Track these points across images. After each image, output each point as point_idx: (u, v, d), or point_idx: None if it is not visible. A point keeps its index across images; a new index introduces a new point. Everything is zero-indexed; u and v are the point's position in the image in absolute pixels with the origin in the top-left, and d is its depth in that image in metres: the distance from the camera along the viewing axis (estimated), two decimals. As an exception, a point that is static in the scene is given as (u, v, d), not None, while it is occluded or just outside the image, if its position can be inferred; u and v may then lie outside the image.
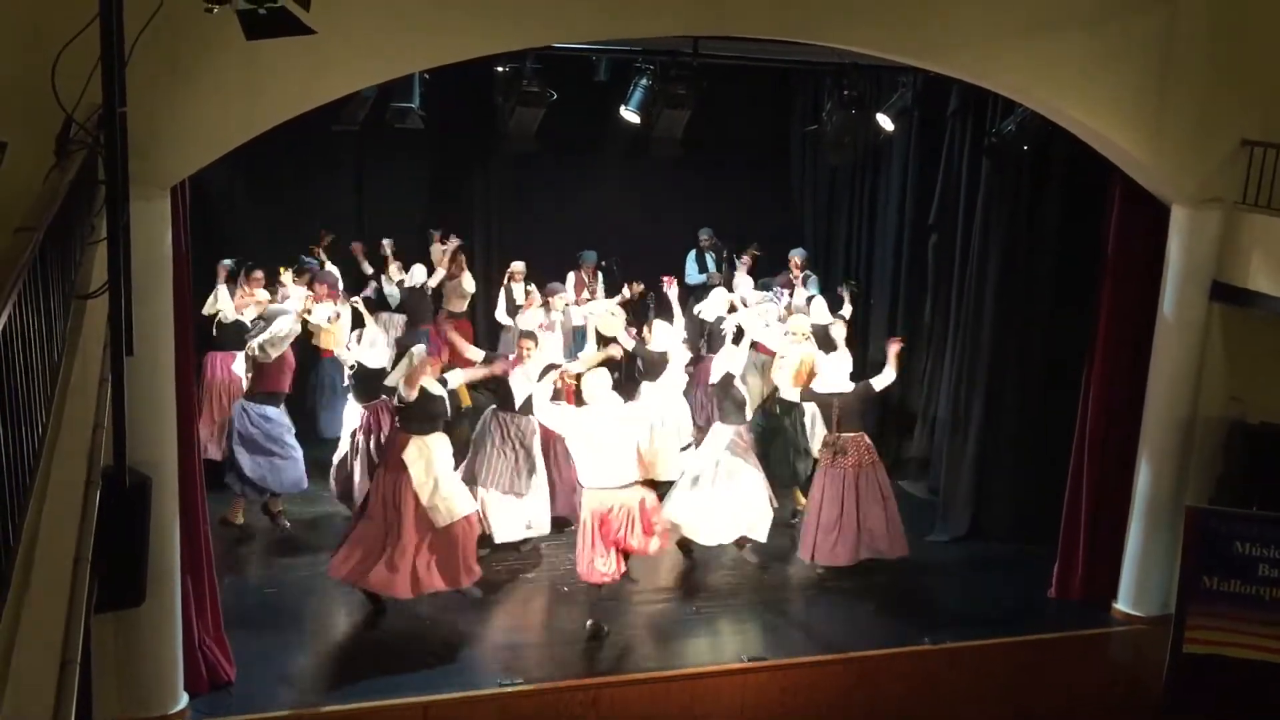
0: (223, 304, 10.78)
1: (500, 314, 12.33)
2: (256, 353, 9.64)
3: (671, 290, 11.00)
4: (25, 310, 2.87)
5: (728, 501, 9.56)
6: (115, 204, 4.87)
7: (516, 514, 9.64)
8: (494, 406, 9.87)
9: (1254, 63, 8.69)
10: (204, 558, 7.68)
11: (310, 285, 10.92)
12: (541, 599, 9.33)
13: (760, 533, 9.68)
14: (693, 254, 13.55)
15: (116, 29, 4.81)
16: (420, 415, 8.71)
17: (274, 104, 7.00)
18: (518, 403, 9.61)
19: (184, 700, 7.52)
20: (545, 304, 11.48)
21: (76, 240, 4.56)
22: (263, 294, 10.58)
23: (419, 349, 8.93)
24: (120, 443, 5.15)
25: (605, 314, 11.28)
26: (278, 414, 9.90)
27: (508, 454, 9.62)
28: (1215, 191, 8.81)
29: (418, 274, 12.32)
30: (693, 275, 13.41)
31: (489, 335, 13.06)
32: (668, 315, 10.90)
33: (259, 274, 10.82)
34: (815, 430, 10.53)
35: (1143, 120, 8.57)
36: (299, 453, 10.00)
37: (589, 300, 12.35)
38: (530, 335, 10.03)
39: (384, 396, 9.74)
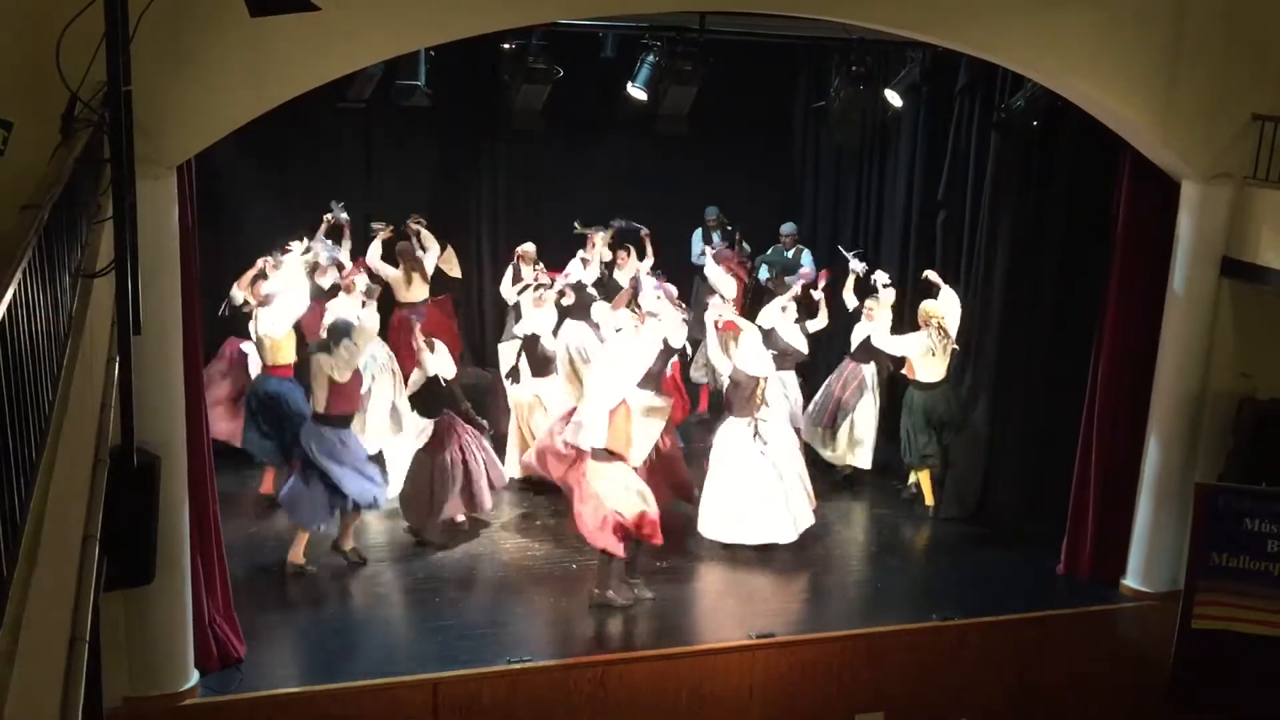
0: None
1: (504, 288, 12.32)
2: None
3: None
4: (31, 288, 2.86)
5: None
6: (121, 183, 4.87)
7: None
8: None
9: (1265, 37, 8.61)
10: (213, 536, 7.71)
11: None
12: (549, 576, 9.33)
13: None
14: (699, 233, 13.52)
15: (121, 6, 4.80)
16: None
17: (279, 82, 6.98)
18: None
19: (194, 678, 7.55)
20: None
21: (83, 219, 4.55)
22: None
23: None
24: (128, 421, 5.16)
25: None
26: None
27: None
28: (1226, 167, 8.75)
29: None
30: (699, 255, 13.37)
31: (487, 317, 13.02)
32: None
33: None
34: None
35: (1153, 95, 8.50)
36: None
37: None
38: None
39: None
